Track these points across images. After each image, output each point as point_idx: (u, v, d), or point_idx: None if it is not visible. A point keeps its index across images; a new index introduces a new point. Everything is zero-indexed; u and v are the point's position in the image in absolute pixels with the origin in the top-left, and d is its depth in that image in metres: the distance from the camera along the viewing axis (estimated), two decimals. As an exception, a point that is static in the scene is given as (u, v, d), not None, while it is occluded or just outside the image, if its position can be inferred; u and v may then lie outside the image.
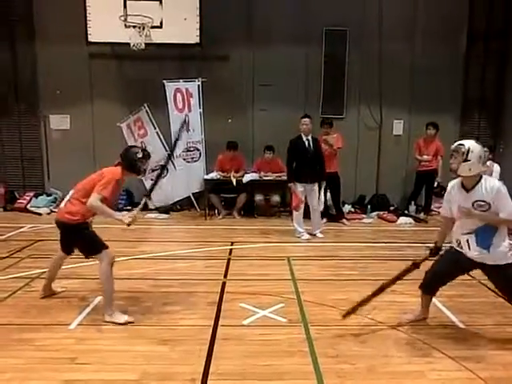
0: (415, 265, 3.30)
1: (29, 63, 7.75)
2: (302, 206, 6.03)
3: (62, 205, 3.54)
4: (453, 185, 3.10)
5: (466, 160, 2.86)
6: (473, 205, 2.90)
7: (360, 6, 7.72)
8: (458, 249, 3.09)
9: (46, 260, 4.76)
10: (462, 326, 3.36)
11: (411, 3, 7.79)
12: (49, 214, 7.42)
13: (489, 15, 7.82)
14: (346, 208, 7.66)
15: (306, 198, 6.05)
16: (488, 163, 6.30)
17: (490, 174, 6.24)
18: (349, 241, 5.98)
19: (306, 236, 6.03)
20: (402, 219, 7.27)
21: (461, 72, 8.01)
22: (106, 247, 3.43)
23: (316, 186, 6.04)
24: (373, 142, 8.17)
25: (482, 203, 2.87)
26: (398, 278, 3.34)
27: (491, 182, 2.91)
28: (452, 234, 3.12)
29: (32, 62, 7.76)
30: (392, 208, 7.80)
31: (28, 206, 7.50)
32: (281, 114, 7.71)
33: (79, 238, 3.44)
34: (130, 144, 7.70)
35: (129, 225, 3.38)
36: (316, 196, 6.08)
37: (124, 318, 3.35)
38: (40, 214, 7.27)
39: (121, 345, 3.00)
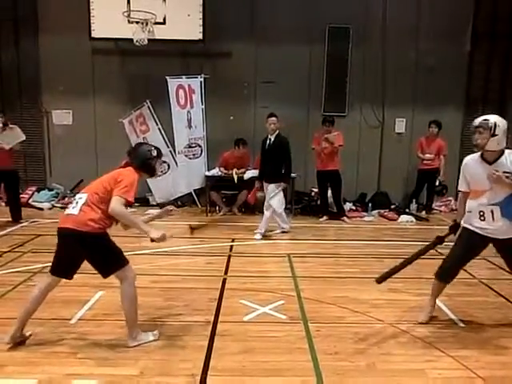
0: (440, 238, 3.31)
1: (32, 58, 7.75)
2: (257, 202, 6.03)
3: (74, 211, 2.82)
4: (470, 160, 3.14)
5: (493, 135, 2.91)
6: None
7: (363, 3, 7.69)
8: (475, 226, 3.08)
9: (48, 254, 4.75)
10: (461, 324, 3.36)
11: (415, 1, 7.75)
12: (50, 208, 7.46)
13: (494, 15, 7.78)
14: (347, 206, 7.66)
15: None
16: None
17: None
18: (349, 239, 5.98)
19: (280, 231, 6.06)
20: (403, 217, 7.28)
21: (465, 71, 7.98)
22: (128, 262, 2.93)
23: (272, 187, 5.73)
24: (375, 140, 8.16)
25: (508, 174, 2.90)
26: (422, 253, 3.34)
27: None
28: (471, 208, 3.11)
29: (35, 57, 7.76)
30: (393, 206, 7.81)
31: (30, 201, 7.52)
32: (283, 111, 7.64)
33: (100, 250, 2.85)
34: (132, 139, 7.73)
35: (153, 241, 2.87)
36: (276, 198, 5.76)
37: (152, 336, 3.02)
38: (42, 209, 7.29)
39: (122, 340, 3.00)
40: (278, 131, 5.88)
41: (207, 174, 7.43)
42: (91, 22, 7.10)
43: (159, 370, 2.67)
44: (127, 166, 2.98)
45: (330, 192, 7.17)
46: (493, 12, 7.78)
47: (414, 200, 7.69)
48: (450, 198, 7.98)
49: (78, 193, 3.02)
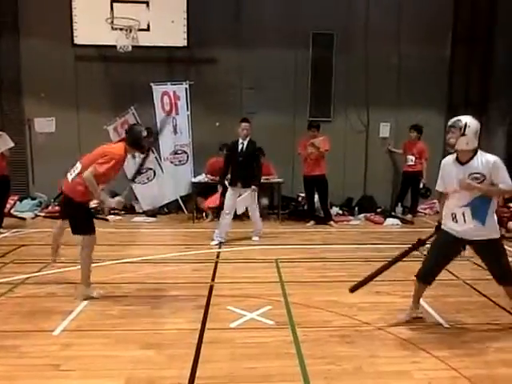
0: (420, 241, 3.35)
1: (13, 65, 7.64)
2: (227, 210, 5.82)
3: (69, 177, 3.64)
4: (446, 160, 3.20)
5: (463, 134, 2.97)
6: (468, 177, 2.99)
7: (346, 10, 7.81)
8: (450, 227, 3.14)
9: (30, 265, 4.72)
10: (446, 325, 3.39)
11: (397, 7, 7.90)
12: (33, 218, 7.32)
13: (472, 20, 7.98)
14: (334, 210, 7.70)
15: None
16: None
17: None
18: (336, 243, 6.01)
19: (214, 242, 5.76)
20: (389, 221, 7.35)
21: (446, 75, 8.14)
22: (94, 232, 3.72)
23: (247, 191, 5.81)
24: (360, 144, 8.26)
25: (478, 175, 2.97)
26: (404, 255, 3.40)
27: (487, 156, 3.02)
28: (446, 209, 3.18)
29: (16, 64, 7.66)
30: (379, 210, 7.88)
31: (12, 211, 7.36)
32: (268, 117, 7.74)
33: (76, 214, 3.64)
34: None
35: (112, 208, 3.65)
36: (251, 200, 5.89)
37: (97, 292, 3.77)
38: (24, 219, 7.14)
39: (106, 350, 2.96)
40: (249, 136, 5.90)
41: (194, 180, 7.40)
42: (74, 28, 7.06)
43: (145, 380, 2.62)
44: (121, 141, 3.70)
45: (316, 197, 7.21)
46: (471, 17, 7.98)
47: (399, 203, 7.78)
48: (434, 201, 8.08)
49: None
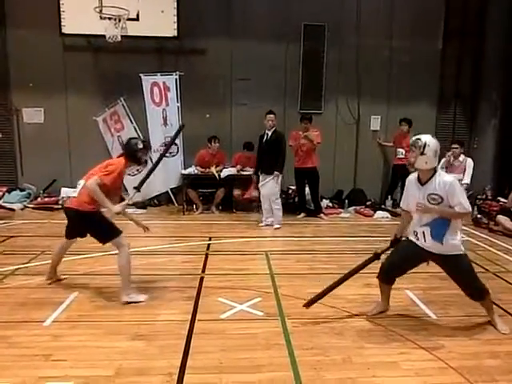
0: (376, 255, 3.42)
1: (0, 54, 7.48)
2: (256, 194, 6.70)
3: (75, 194, 3.75)
4: (410, 179, 3.24)
5: (422, 153, 2.99)
6: (427, 198, 3.03)
7: (338, 2, 7.78)
8: (413, 240, 3.20)
9: (19, 256, 4.69)
10: (434, 317, 3.45)
11: (389, 0, 7.88)
12: (22, 209, 7.24)
13: (464, 13, 8.01)
14: (324, 203, 7.73)
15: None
16: (461, 158, 6.49)
17: (464, 169, 6.42)
18: (326, 235, 6.05)
19: (264, 223, 6.48)
20: (379, 213, 7.41)
21: (437, 68, 8.17)
22: (121, 232, 3.62)
23: (269, 178, 6.25)
24: (350, 137, 8.28)
25: (435, 196, 2.99)
26: (360, 268, 3.44)
27: (445, 177, 3.03)
28: (410, 227, 3.25)
29: (3, 53, 7.51)
30: (369, 203, 7.94)
31: (0, 202, 7.28)
32: (259, 108, 7.69)
33: (96, 224, 3.57)
34: (106, 138, 7.62)
35: (118, 213, 3.58)
36: (267, 186, 6.28)
37: (143, 297, 3.62)
38: (13, 210, 7.06)
39: (97, 341, 2.97)
40: (275, 127, 6.34)
41: (184, 172, 7.37)
42: (61, 17, 6.93)
43: (135, 370, 2.64)
44: (121, 156, 3.71)
45: (307, 189, 7.23)
46: (463, 10, 8.00)
47: (389, 196, 7.84)
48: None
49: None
